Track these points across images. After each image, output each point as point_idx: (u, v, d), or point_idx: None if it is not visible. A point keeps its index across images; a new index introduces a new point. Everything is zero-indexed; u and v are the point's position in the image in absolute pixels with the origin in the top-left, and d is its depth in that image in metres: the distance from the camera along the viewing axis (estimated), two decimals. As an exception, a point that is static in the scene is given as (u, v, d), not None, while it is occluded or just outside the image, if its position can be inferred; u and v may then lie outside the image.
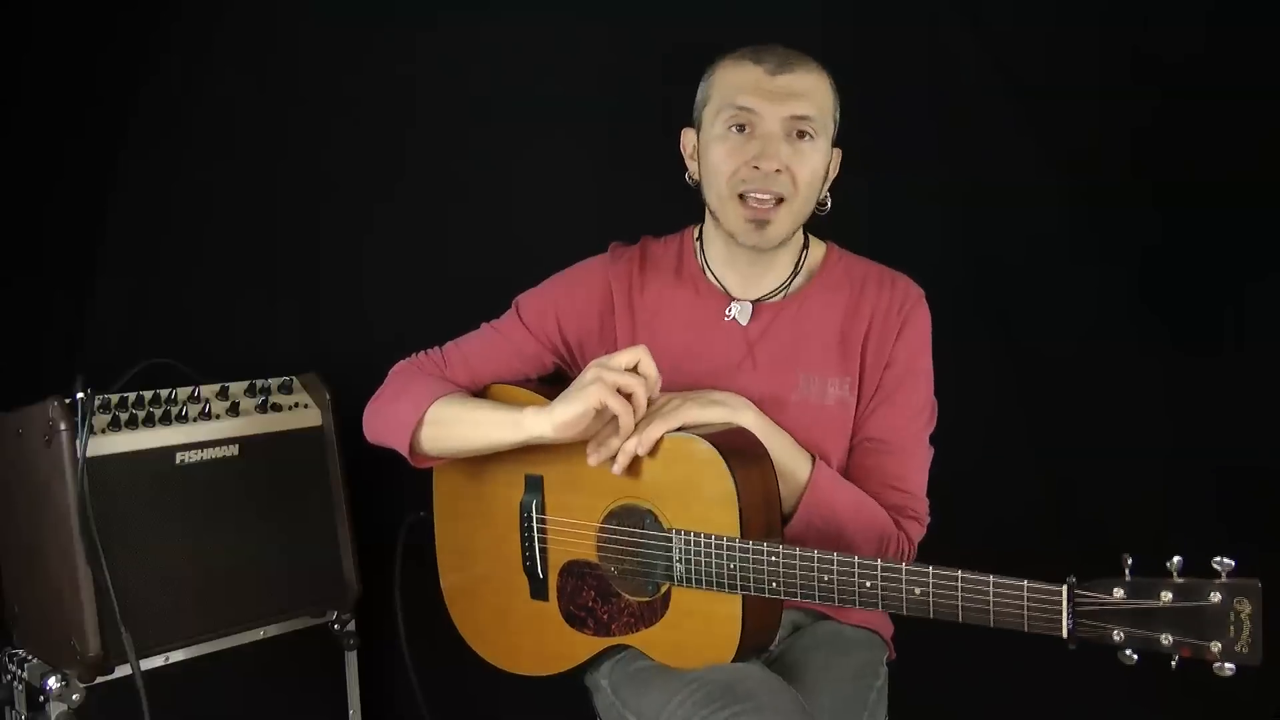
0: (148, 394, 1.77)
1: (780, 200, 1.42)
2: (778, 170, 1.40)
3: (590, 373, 1.34)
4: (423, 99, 2.24)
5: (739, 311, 1.52)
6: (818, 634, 1.51)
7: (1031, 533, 2.02)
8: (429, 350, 1.62)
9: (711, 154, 1.45)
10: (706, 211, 1.52)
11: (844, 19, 2.12)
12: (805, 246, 1.56)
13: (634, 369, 1.34)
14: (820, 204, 1.49)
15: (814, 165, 1.43)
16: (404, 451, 1.50)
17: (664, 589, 1.37)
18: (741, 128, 1.42)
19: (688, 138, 1.54)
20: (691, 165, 1.53)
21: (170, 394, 1.79)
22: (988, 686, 2.07)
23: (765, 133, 1.41)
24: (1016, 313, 2.13)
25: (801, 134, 1.42)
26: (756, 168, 1.40)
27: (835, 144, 1.49)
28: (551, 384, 1.56)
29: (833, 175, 1.50)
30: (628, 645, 1.42)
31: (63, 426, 1.63)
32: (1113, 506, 2.01)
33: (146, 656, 1.69)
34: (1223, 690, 1.88)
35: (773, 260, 1.52)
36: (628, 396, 1.32)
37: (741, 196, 1.43)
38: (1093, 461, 2.10)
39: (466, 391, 1.55)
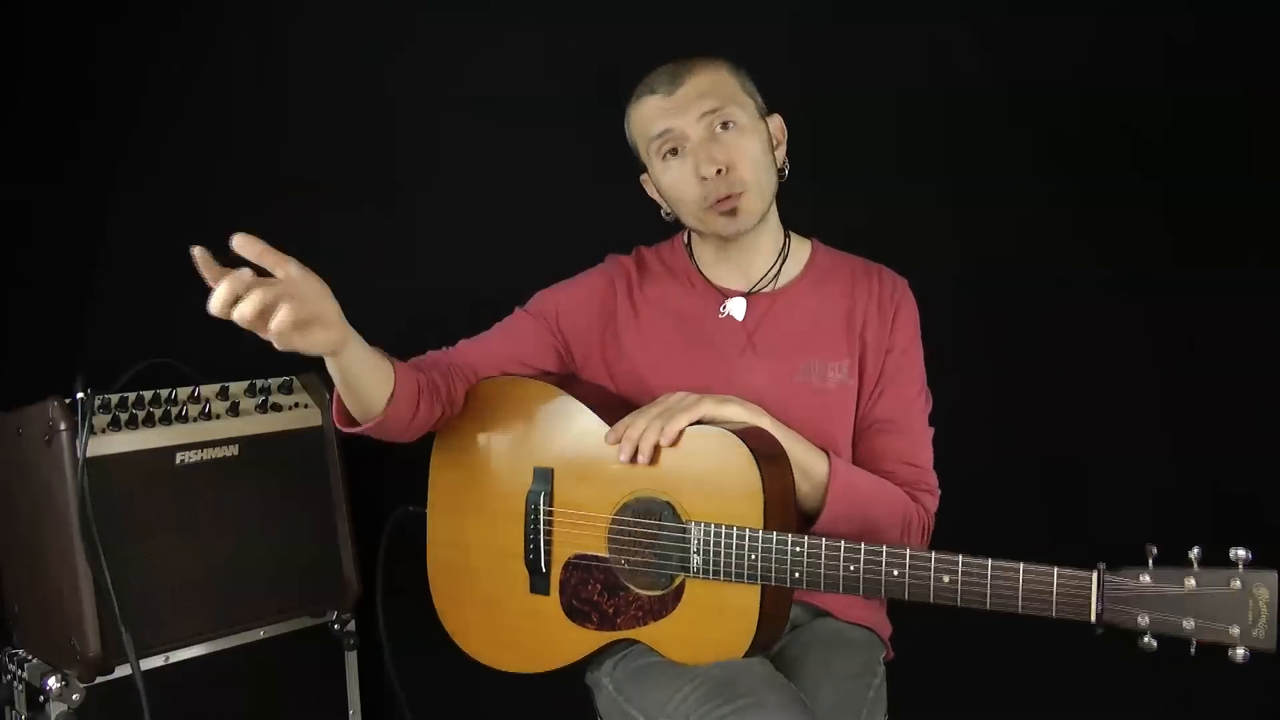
0: (148, 394, 1.77)
1: (739, 190, 1.48)
2: (719, 171, 1.46)
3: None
4: (422, 99, 2.24)
5: (734, 307, 1.56)
6: (816, 631, 1.52)
7: (1027, 534, 2.02)
8: (443, 349, 1.62)
9: (665, 187, 1.53)
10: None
11: (843, 18, 2.12)
12: (787, 239, 1.60)
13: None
14: (780, 171, 1.55)
15: (747, 146, 1.48)
16: (340, 421, 1.45)
17: (677, 581, 1.38)
18: (674, 151, 1.49)
19: (647, 183, 1.60)
20: (662, 203, 1.58)
21: (170, 394, 1.79)
22: (986, 687, 2.08)
23: (692, 144, 1.47)
24: (1013, 313, 2.13)
25: (724, 125, 1.47)
26: (704, 179, 1.46)
27: (771, 112, 1.55)
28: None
29: (781, 141, 1.56)
30: (634, 640, 1.42)
31: (63, 426, 1.63)
32: (1110, 508, 2.01)
33: (146, 656, 1.69)
34: (1219, 697, 1.90)
35: (756, 246, 1.57)
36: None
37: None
38: (1089, 464, 2.10)
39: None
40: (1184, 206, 2.02)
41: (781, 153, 1.55)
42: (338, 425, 1.47)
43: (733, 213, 1.48)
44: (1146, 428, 2.08)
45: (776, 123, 1.56)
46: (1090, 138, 2.08)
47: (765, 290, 1.57)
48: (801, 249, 1.61)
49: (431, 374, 1.50)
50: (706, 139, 1.46)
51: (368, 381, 1.38)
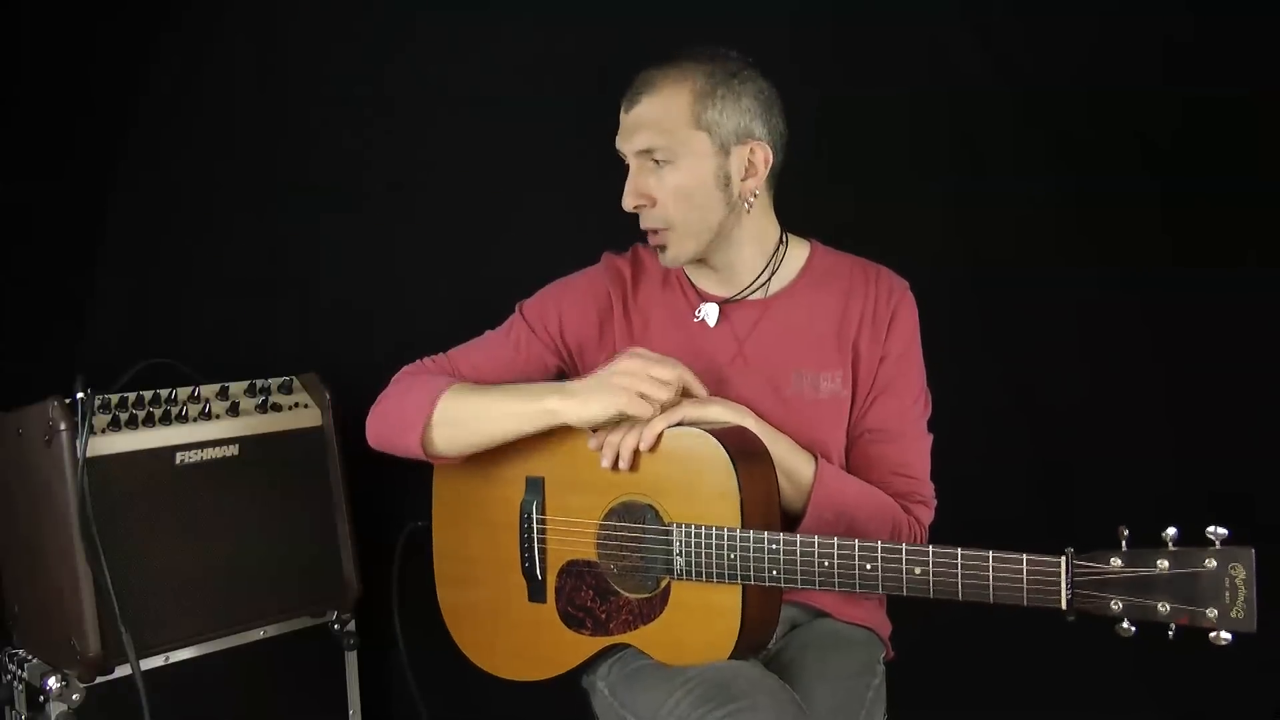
0: (148, 394, 1.77)
1: (664, 227, 1.47)
2: (638, 205, 1.46)
3: (626, 365, 1.37)
4: (421, 99, 2.24)
5: (707, 313, 1.54)
6: (814, 632, 1.52)
7: (1023, 533, 2.02)
8: (434, 356, 1.62)
9: None
10: None
11: (844, 17, 2.12)
12: (782, 243, 1.56)
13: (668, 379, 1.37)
14: (740, 200, 1.47)
15: (676, 184, 1.45)
16: (416, 451, 1.49)
17: (663, 584, 1.38)
18: (629, 169, 1.49)
19: None
20: None
21: (170, 394, 1.79)
22: (986, 686, 2.08)
23: (631, 171, 1.48)
24: (1012, 314, 2.13)
25: (657, 161, 1.45)
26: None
27: (747, 138, 1.45)
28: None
29: (744, 172, 1.46)
30: (626, 644, 1.42)
31: (63, 426, 1.63)
32: (1106, 508, 2.01)
33: (146, 656, 1.69)
34: (1217, 694, 1.90)
35: (729, 264, 1.54)
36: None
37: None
38: (1087, 463, 2.10)
39: (472, 383, 1.55)
40: (1183, 206, 2.02)
41: (754, 183, 1.47)
42: (431, 461, 1.52)
43: (661, 250, 1.49)
44: (1145, 427, 2.08)
45: (760, 154, 1.46)
46: (1093, 138, 2.08)
47: (756, 297, 1.55)
48: (799, 251, 1.57)
49: None
50: (638, 170, 1.47)
51: None
